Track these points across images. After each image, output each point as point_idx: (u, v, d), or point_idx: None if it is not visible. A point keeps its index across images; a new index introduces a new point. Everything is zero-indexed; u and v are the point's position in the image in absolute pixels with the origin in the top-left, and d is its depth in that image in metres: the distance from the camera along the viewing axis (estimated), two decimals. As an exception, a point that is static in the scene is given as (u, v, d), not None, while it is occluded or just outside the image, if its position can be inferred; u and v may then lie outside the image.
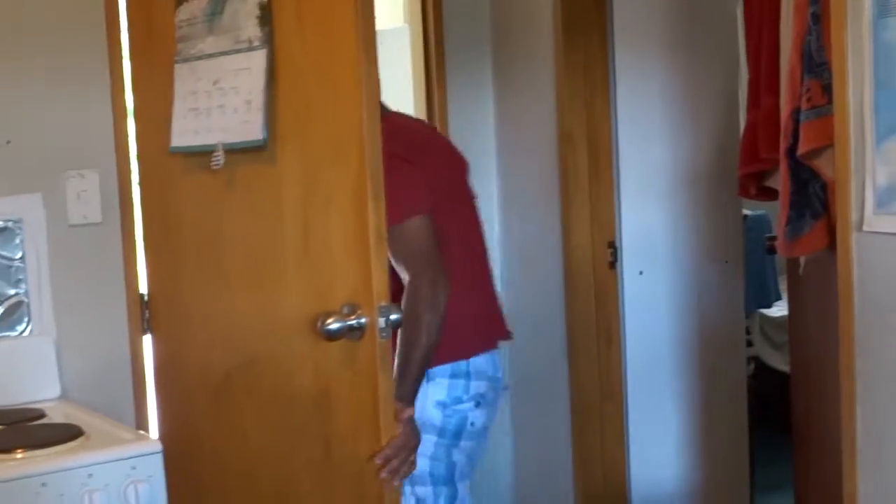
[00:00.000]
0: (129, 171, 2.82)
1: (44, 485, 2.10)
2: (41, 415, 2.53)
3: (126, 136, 2.81)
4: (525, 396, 3.32)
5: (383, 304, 2.04)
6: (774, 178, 2.80)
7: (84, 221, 2.78)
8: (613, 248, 3.11)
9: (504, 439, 3.36)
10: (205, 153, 2.42)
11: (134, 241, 2.84)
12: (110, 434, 2.34)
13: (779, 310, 4.59)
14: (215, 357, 2.60)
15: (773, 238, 3.23)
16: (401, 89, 3.36)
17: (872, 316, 2.18)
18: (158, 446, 2.25)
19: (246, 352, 2.47)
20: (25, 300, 2.73)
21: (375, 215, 2.03)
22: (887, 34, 2.11)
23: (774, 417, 3.35)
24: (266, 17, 2.25)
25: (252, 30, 2.28)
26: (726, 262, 3.30)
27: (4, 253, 2.70)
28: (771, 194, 2.88)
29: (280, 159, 2.28)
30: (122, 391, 2.83)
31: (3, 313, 2.71)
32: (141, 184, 2.83)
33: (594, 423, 3.12)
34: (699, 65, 3.22)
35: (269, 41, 2.25)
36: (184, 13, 2.48)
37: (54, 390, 2.70)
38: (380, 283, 2.04)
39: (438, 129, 3.20)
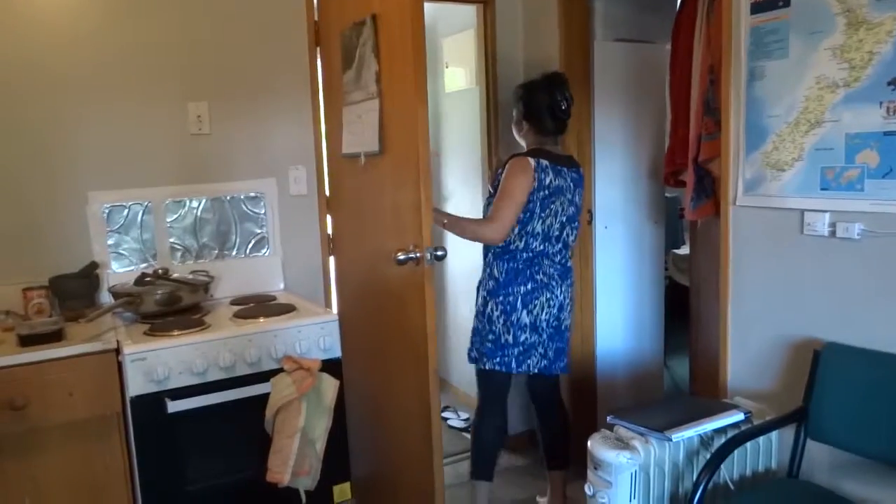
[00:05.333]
0: (322, 166, 2.85)
1: (275, 336, 2.18)
2: (273, 298, 2.59)
3: (321, 145, 2.83)
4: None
5: (429, 246, 2.02)
6: (684, 175, 2.78)
7: (298, 193, 2.82)
8: (590, 212, 3.08)
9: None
10: (355, 157, 2.45)
11: (325, 205, 2.86)
12: (310, 310, 2.38)
13: (683, 250, 4.56)
14: (358, 271, 2.63)
15: (682, 209, 3.17)
16: (473, 124, 3.36)
17: (739, 254, 2.19)
18: (335, 317, 2.30)
19: (369, 270, 2.48)
20: (266, 236, 2.78)
21: (424, 195, 2.02)
22: (754, 92, 2.09)
23: (679, 311, 3.33)
24: (378, 78, 2.24)
25: (373, 86, 2.27)
26: (655, 222, 3.27)
27: (255, 210, 2.76)
28: (681, 184, 2.85)
29: (385, 160, 2.26)
30: (317, 287, 2.88)
31: (254, 244, 2.76)
32: (328, 173, 2.85)
33: (577, 308, 3.11)
34: (642, 110, 3.17)
35: (380, 93, 2.23)
36: (345, 78, 2.50)
37: (281, 286, 2.78)
38: (427, 233, 2.02)
39: (493, 148, 3.19)
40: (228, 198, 2.70)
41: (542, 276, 2.38)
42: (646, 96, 3.15)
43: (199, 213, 2.66)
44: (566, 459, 2.64)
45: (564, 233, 2.42)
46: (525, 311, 2.37)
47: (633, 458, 1.78)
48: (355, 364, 2.70)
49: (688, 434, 1.81)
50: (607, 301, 3.19)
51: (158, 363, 2.00)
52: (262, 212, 2.77)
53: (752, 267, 2.15)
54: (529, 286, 2.37)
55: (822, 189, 1.93)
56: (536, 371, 2.43)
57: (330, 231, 2.87)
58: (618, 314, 3.23)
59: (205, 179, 2.65)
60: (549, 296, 2.39)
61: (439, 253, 2.03)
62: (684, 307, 3.00)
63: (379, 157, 2.28)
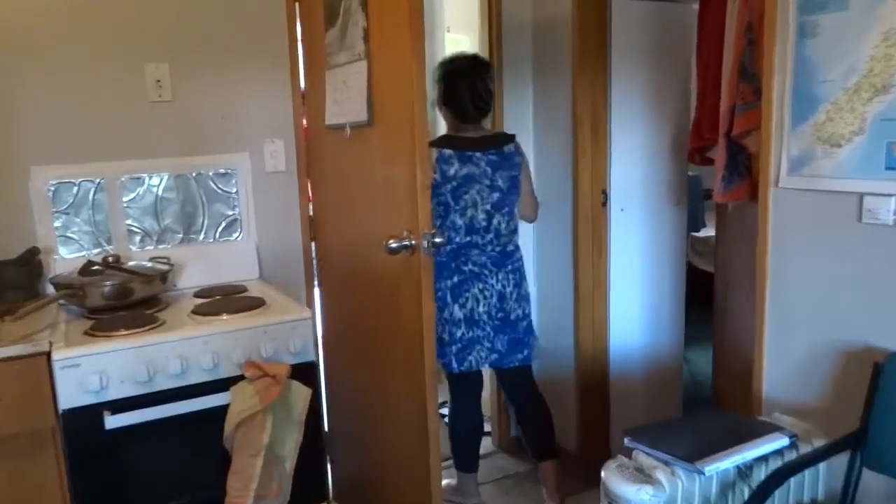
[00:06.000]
0: (302, 139, 2.55)
1: (237, 337, 1.90)
2: (243, 290, 2.31)
3: (301, 115, 2.53)
4: (545, 286, 3.02)
5: (426, 231, 1.75)
6: (713, 151, 2.48)
7: (275, 170, 2.53)
8: (605, 193, 2.77)
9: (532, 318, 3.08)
10: (339, 128, 2.15)
11: (306, 183, 2.57)
12: (281, 305, 2.10)
13: (703, 232, 4.34)
14: (343, 258, 2.35)
15: (709, 190, 2.82)
16: None
17: (781, 244, 1.89)
18: (308, 314, 2.00)
19: (356, 257, 2.21)
20: (238, 218, 2.50)
21: (420, 172, 1.73)
22: (804, 51, 1.75)
23: (697, 298, 3.06)
24: (366, 36, 1.94)
25: (360, 46, 1.97)
26: (677, 204, 2.95)
27: (225, 188, 2.47)
28: (709, 162, 2.54)
29: (374, 132, 1.97)
30: (298, 275, 2.60)
31: (224, 226, 2.48)
32: (308, 145, 2.55)
33: (588, 303, 2.84)
34: (664, 77, 2.83)
35: (368, 54, 1.94)
36: (328, 37, 2.20)
37: (255, 274, 2.49)
38: (424, 217, 1.74)
39: (497, 118, 2.87)
40: (194, 174, 2.40)
41: (470, 266, 2.27)
42: (669, 62, 2.81)
43: (160, 192, 2.36)
44: (554, 449, 2.53)
45: (494, 221, 2.28)
46: (457, 306, 2.27)
47: (656, 495, 1.48)
48: (341, 361, 2.46)
49: (723, 465, 1.51)
50: (622, 292, 2.88)
51: (95, 370, 1.71)
52: (234, 190, 2.47)
53: (797, 259, 1.84)
54: (456, 279, 2.26)
55: (888, 168, 1.60)
56: (487, 366, 2.36)
57: (312, 212, 2.58)
58: (634, 307, 2.92)
59: (166, 153, 2.34)
60: (481, 286, 2.27)
61: (437, 240, 1.78)
62: (703, 294, 2.73)
63: (367, 129, 2.00)
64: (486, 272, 2.28)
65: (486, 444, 3.14)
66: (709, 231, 4.75)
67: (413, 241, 1.77)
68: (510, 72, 2.84)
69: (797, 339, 1.86)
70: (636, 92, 2.76)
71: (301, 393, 1.86)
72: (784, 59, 1.80)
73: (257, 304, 2.05)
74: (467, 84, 2.26)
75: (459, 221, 2.23)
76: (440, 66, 2.35)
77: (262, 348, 1.89)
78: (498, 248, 2.29)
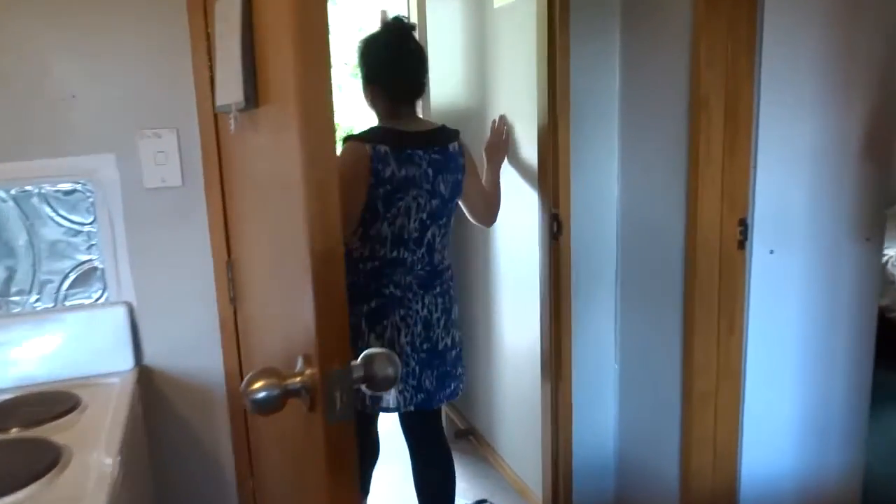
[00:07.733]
0: (212, 131, 1.51)
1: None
2: (75, 405, 1.32)
3: (208, 90, 1.48)
4: (633, 375, 1.91)
5: (338, 365, 0.72)
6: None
7: (162, 185, 1.51)
8: (744, 225, 1.63)
9: (608, 416, 1.97)
10: (228, 112, 1.12)
11: (220, 205, 1.54)
12: (85, 468, 1.05)
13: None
14: (260, 351, 1.35)
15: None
16: (529, 51, 2.03)
17: None
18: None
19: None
20: (99, 266, 1.49)
21: (322, 233, 0.70)
22: None
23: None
24: None
25: None
26: (867, 239, 1.76)
27: (74, 217, 1.48)
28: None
29: (260, 120, 0.96)
30: (211, 358, 1.59)
31: (74, 280, 1.49)
32: (219, 143, 1.51)
33: (708, 405, 1.74)
34: (859, 29, 1.67)
35: None
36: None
37: (127, 361, 1.48)
38: (335, 332, 0.71)
39: (558, 91, 1.89)
40: (12, 192, 1.41)
41: (392, 288, 1.98)
42: (861, 13, 1.61)
43: (-54, 225, 1.38)
44: None
45: (428, 234, 1.99)
46: (372, 336, 1.98)
47: None
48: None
49: None
50: (766, 388, 1.76)
51: None
52: (89, 220, 1.46)
53: None
54: (374, 303, 1.97)
55: None
56: (412, 408, 2.06)
57: (229, 255, 1.55)
58: (784, 410, 1.81)
59: (-44, 157, 1.37)
60: (403, 313, 1.98)
61: (387, 371, 0.81)
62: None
63: (252, 115, 1.03)
64: (410, 295, 1.99)
65: None
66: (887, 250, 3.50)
67: (307, 384, 0.77)
68: (583, 23, 1.74)
69: None
70: (805, 57, 1.60)
71: None
72: None
73: (43, 468, 1.02)
74: (386, 50, 1.96)
75: (386, 231, 1.93)
76: (358, 45, 2.04)
77: None
78: (428, 268, 2.00)
